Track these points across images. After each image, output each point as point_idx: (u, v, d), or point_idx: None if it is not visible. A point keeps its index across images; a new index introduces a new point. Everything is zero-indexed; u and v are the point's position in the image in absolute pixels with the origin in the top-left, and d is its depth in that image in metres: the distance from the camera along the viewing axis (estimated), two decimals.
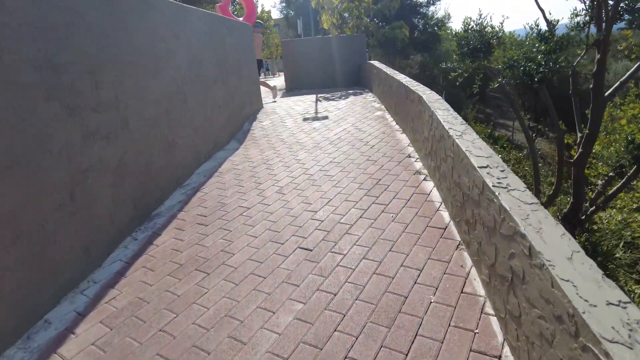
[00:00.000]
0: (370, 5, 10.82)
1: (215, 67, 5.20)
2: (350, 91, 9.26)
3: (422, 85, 4.74)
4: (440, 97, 4.07)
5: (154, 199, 3.55)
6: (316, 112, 6.96)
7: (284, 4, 38.48)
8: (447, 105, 3.59)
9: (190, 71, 4.43)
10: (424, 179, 3.60)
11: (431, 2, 23.22)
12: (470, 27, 9.12)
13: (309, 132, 5.82)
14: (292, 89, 10.78)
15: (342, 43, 10.36)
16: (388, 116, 6.24)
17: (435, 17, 22.71)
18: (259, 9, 37.54)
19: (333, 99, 8.23)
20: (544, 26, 7.81)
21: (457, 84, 10.25)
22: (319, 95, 8.99)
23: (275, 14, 39.79)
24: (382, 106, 6.90)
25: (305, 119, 6.53)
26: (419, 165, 3.98)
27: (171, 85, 3.95)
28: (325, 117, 6.52)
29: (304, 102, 8.16)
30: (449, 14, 24.96)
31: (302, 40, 10.93)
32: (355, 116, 6.50)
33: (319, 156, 4.64)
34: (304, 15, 25.84)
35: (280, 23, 38.60)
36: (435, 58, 18.40)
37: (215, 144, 5.05)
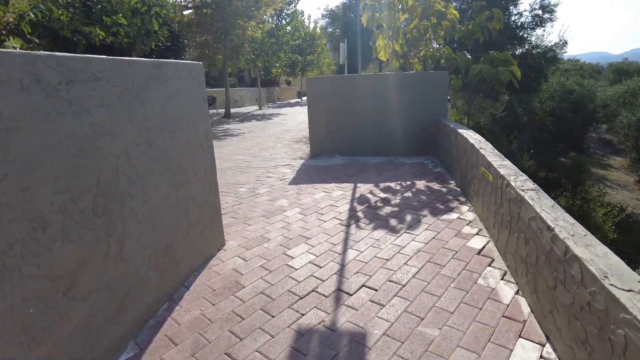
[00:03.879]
0: (456, 25, 6.65)
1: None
2: (420, 182, 5.09)
3: None
4: None
5: None
6: (340, 280, 2.83)
7: (327, 20, 33.73)
8: None
9: None
10: None
11: (538, 22, 17.91)
12: None
13: None
14: (319, 154, 6.76)
15: (409, 84, 6.27)
16: (532, 319, 2.00)
17: (543, 44, 17.77)
18: (311, 25, 34.36)
19: (389, 215, 4.11)
20: None
21: None
22: (359, 190, 4.91)
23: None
24: (503, 264, 2.66)
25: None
26: None
27: None
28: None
29: (323, 211, 4.11)
30: (564, 41, 18.46)
31: (340, 79, 6.96)
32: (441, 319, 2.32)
33: None
34: (351, 37, 21.39)
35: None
36: (536, 97, 13.88)
37: None
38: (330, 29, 32.41)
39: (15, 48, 8.37)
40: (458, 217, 3.53)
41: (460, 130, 4.50)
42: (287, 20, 26.28)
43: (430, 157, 6.25)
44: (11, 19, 6.78)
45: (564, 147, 19.72)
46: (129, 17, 8.83)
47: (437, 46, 7.83)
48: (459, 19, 7.02)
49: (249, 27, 17.18)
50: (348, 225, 3.48)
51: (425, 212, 3.70)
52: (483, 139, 4.02)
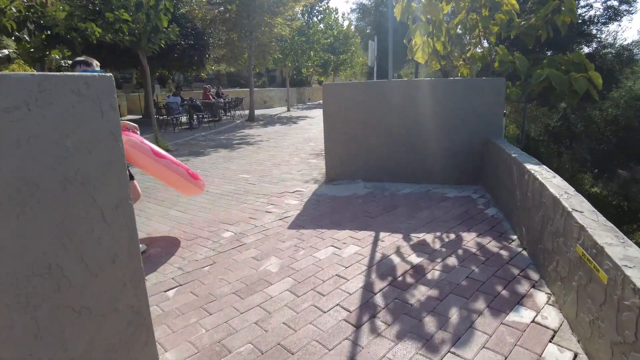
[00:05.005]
0: (515, 19, 5.23)
1: None
2: (469, 236, 3.77)
3: None
4: None
5: None
6: None
7: (357, 14, 31.64)
8: None
9: None
10: None
11: (612, 15, 15.05)
12: None
13: None
14: (337, 178, 5.50)
15: (453, 93, 4.92)
16: None
17: (617, 42, 15.27)
18: (345, 23, 32.82)
19: (422, 307, 2.82)
20: None
21: None
22: (382, 246, 3.65)
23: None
24: None
25: None
26: None
27: None
28: None
29: (325, 288, 2.89)
30: None
31: (365, 86, 5.67)
32: None
33: None
34: (383, 35, 19.82)
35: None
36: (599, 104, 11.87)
37: None
38: (360, 24, 30.71)
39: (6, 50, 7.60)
40: (533, 321, 2.19)
41: (529, 167, 3.13)
42: (319, 17, 25.06)
43: (478, 189, 4.86)
44: None
45: (629, 161, 17.40)
46: (133, 12, 7.88)
47: (487, 45, 6.37)
48: (518, 10, 5.56)
49: (275, 24, 16.10)
50: (358, 327, 2.22)
51: (480, 303, 2.38)
52: (570, 187, 2.64)
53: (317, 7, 24.97)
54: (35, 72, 1.55)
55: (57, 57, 17.11)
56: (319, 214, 4.15)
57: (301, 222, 3.92)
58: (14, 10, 6.11)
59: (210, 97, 17.70)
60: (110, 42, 8.29)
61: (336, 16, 28.79)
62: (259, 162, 7.43)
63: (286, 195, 4.94)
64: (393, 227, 3.68)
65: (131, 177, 3.35)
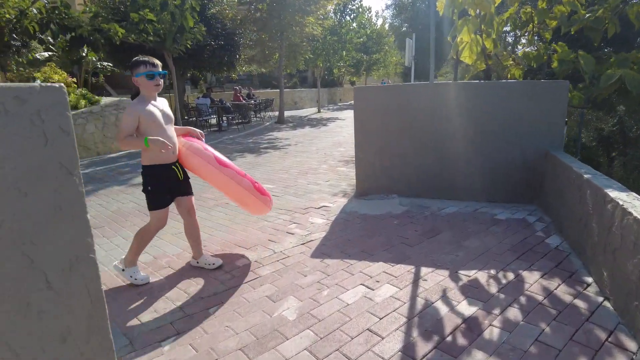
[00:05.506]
0: (580, 11, 4.51)
1: None
2: (531, 276, 3.12)
3: None
4: None
5: None
6: None
7: (392, 10, 30.41)
8: None
9: None
10: None
11: None
12: None
13: None
14: (368, 192, 4.93)
15: (505, 98, 4.26)
16: None
17: None
18: (379, 22, 31.92)
19: None
20: None
21: None
22: (424, 287, 3.07)
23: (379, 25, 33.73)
24: None
25: None
26: None
27: None
28: None
29: (353, 349, 2.35)
30: None
31: (401, 89, 5.08)
32: None
33: None
34: (421, 32, 18.92)
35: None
36: None
37: None
38: (395, 22, 29.71)
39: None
40: None
41: (614, 195, 2.47)
42: (352, 16, 24.43)
43: (534, 210, 4.17)
44: (7, 16, 5.73)
45: None
46: (158, 12, 7.59)
47: (542, 43, 5.62)
48: (583, 1, 4.81)
49: (307, 23, 15.64)
50: None
51: None
52: None
53: (349, 6, 24.34)
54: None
55: (94, 59, 17.35)
56: (347, 238, 3.61)
57: (327, 248, 3.39)
58: (35, 11, 5.90)
59: (241, 98, 17.47)
60: (135, 43, 8.04)
61: (370, 15, 28.11)
62: (284, 170, 6.97)
63: (311, 212, 4.42)
64: (436, 260, 3.09)
65: (188, 193, 2.97)
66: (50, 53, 11.78)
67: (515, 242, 3.35)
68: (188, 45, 8.34)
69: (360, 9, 25.20)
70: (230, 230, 3.96)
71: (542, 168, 4.22)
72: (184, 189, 2.95)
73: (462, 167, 4.51)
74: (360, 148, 4.87)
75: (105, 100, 9.81)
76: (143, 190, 2.80)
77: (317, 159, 8.00)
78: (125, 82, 23.19)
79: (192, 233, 3.05)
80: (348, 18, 24.05)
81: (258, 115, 18.58)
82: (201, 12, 15.30)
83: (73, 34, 7.03)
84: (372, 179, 4.87)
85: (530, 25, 5.30)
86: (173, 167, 2.84)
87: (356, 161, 4.97)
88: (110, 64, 18.25)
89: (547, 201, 4.04)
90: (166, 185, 2.81)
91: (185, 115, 14.92)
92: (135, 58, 2.71)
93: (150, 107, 2.67)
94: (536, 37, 5.42)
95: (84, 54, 13.37)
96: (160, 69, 2.74)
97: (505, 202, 4.43)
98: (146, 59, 2.69)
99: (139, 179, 7.06)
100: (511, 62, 5.53)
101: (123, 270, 2.90)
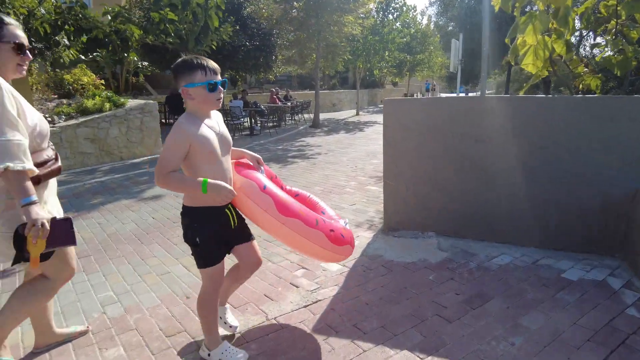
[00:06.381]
0: None
1: None
2: None
3: None
4: None
5: None
6: None
7: (437, 8, 28.74)
8: None
9: None
10: None
11: None
12: None
13: None
14: (399, 227, 4.04)
15: (579, 118, 3.27)
16: None
17: None
18: (424, 20, 30.44)
19: None
20: None
21: None
22: None
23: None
24: None
25: None
26: None
27: None
28: None
29: None
30: None
31: (444, 104, 4.19)
32: None
33: None
34: (469, 32, 17.58)
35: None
36: None
37: None
38: (440, 21, 28.17)
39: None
40: None
41: None
42: (395, 15, 23.31)
43: (617, 267, 3.15)
44: (13, 17, 5.34)
45: None
46: (179, 11, 7.05)
47: (629, 45, 4.48)
48: None
49: (346, 22, 14.82)
50: None
51: None
52: None
53: (392, 4, 23.25)
54: None
55: (135, 58, 17.43)
56: (364, 300, 2.78)
57: (335, 317, 2.58)
58: (44, 12, 5.48)
59: (277, 100, 16.94)
60: (159, 45, 7.57)
61: (414, 14, 26.86)
62: (307, 186, 6.21)
63: None
64: (485, 351, 2.20)
65: (248, 238, 2.21)
66: (95, 54, 11.72)
67: (598, 326, 2.39)
68: (213, 46, 7.77)
69: (404, 7, 24.03)
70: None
71: (629, 211, 3.19)
72: (240, 235, 2.17)
73: (520, 203, 3.55)
74: (389, 174, 4.01)
75: (130, 103, 9.48)
76: (187, 241, 2.01)
77: (346, 172, 7.18)
78: (166, 82, 23.41)
79: (239, 282, 2.35)
80: (391, 17, 22.95)
81: (295, 117, 17.97)
82: (236, 11, 14.88)
83: (88, 35, 6.64)
84: (403, 212, 4.00)
85: (613, 22, 4.22)
86: (226, 210, 2.03)
87: (384, 190, 4.11)
88: (148, 64, 18.30)
89: (636, 257, 3.02)
90: (219, 234, 2.03)
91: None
92: (185, 59, 1.87)
93: (205, 131, 1.86)
94: (619, 37, 4.31)
95: (125, 54, 13.29)
96: (220, 76, 1.92)
97: (575, 252, 3.43)
98: (203, 62, 1.84)
99: (152, 191, 6.58)
100: (584, 70, 4.45)
101: (209, 355, 2.13)
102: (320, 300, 2.78)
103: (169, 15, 6.96)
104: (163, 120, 16.99)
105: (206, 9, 7.20)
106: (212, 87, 1.83)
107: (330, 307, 2.70)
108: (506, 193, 3.59)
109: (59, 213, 1.97)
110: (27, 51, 1.80)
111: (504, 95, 3.70)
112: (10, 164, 1.54)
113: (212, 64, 1.87)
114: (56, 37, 6.27)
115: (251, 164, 2.28)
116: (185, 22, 7.20)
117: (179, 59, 1.90)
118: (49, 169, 1.83)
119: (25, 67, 1.84)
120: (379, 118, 19.92)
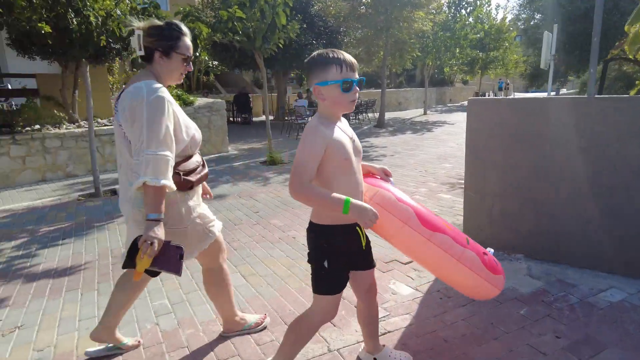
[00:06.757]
0: None
1: None
2: None
3: None
4: None
5: None
6: None
7: (517, 1, 26.37)
8: None
9: None
10: None
11: None
12: None
13: None
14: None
15: None
16: None
17: None
18: (499, 15, 28.54)
19: None
20: None
21: None
22: None
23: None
24: None
25: None
26: None
27: None
28: None
29: None
30: None
31: (544, 104, 3.60)
32: None
33: None
34: (563, 25, 16.15)
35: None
36: None
37: None
38: (523, 14, 26.11)
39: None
40: None
41: None
42: (469, 10, 21.98)
43: None
44: (92, 19, 5.53)
45: None
46: (247, 9, 7.00)
47: None
48: None
49: (416, 18, 14.14)
50: None
51: None
52: None
53: None
54: None
55: (206, 57, 18.05)
56: (442, 336, 2.36)
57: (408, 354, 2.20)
58: (120, 13, 5.63)
59: None
60: (226, 43, 7.58)
61: (489, 9, 25.23)
62: None
63: (395, 271, 3.23)
64: None
65: (370, 265, 1.86)
66: None
67: None
68: (280, 45, 7.63)
69: (478, 2, 22.59)
70: (282, 289, 2.98)
71: None
72: (364, 259, 1.84)
73: (636, 227, 2.90)
74: (472, 185, 3.51)
75: (199, 101, 9.69)
76: (311, 262, 1.73)
77: (415, 178, 6.68)
78: (234, 81, 24.11)
79: (370, 319, 1.99)
80: (463, 12, 21.68)
81: (358, 116, 17.60)
82: (304, 9, 14.80)
83: None
84: (487, 229, 3.48)
85: None
86: (357, 228, 1.71)
87: (465, 202, 3.62)
88: (218, 63, 18.86)
89: None
90: (346, 257, 1.73)
91: (286, 116, 14.62)
92: (319, 52, 1.60)
93: (339, 135, 1.61)
94: None
95: (197, 54, 13.78)
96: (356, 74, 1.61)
97: None
98: (339, 55, 1.55)
99: (214, 190, 6.61)
100: None
101: None
102: (389, 332, 2.41)
103: (237, 13, 6.91)
104: (230, 119, 17.48)
105: (274, 7, 7.07)
106: (348, 87, 1.55)
107: (402, 341, 2.31)
108: (615, 212, 2.95)
109: (210, 216, 2.11)
110: (190, 63, 1.91)
111: (614, 95, 3.09)
112: (148, 179, 1.61)
113: (350, 58, 1.57)
114: (131, 37, 6.45)
115: (377, 176, 1.96)
116: (252, 20, 7.12)
117: (313, 53, 1.63)
118: (200, 175, 1.96)
119: (184, 75, 1.95)
120: (449, 117, 18.91)
